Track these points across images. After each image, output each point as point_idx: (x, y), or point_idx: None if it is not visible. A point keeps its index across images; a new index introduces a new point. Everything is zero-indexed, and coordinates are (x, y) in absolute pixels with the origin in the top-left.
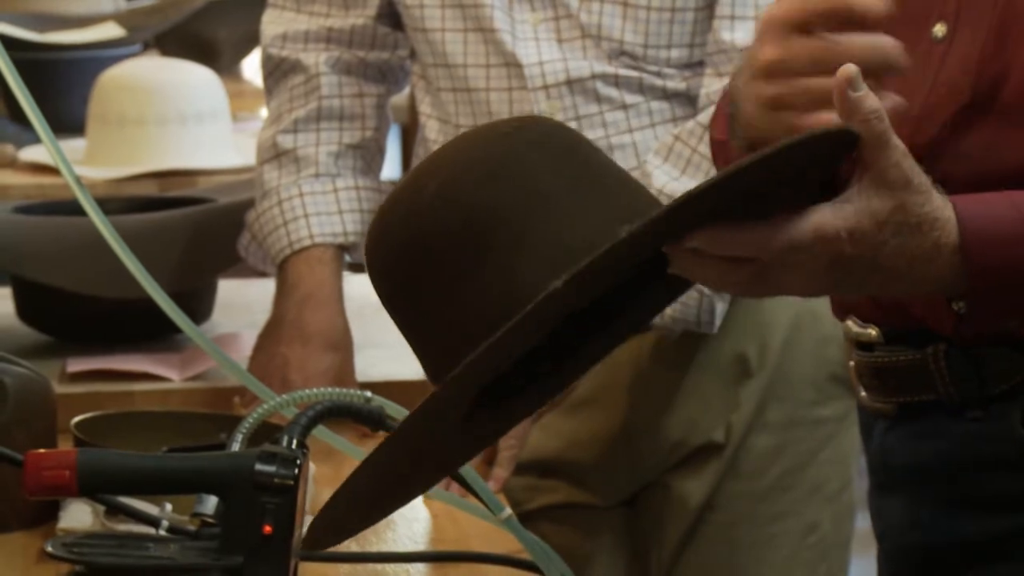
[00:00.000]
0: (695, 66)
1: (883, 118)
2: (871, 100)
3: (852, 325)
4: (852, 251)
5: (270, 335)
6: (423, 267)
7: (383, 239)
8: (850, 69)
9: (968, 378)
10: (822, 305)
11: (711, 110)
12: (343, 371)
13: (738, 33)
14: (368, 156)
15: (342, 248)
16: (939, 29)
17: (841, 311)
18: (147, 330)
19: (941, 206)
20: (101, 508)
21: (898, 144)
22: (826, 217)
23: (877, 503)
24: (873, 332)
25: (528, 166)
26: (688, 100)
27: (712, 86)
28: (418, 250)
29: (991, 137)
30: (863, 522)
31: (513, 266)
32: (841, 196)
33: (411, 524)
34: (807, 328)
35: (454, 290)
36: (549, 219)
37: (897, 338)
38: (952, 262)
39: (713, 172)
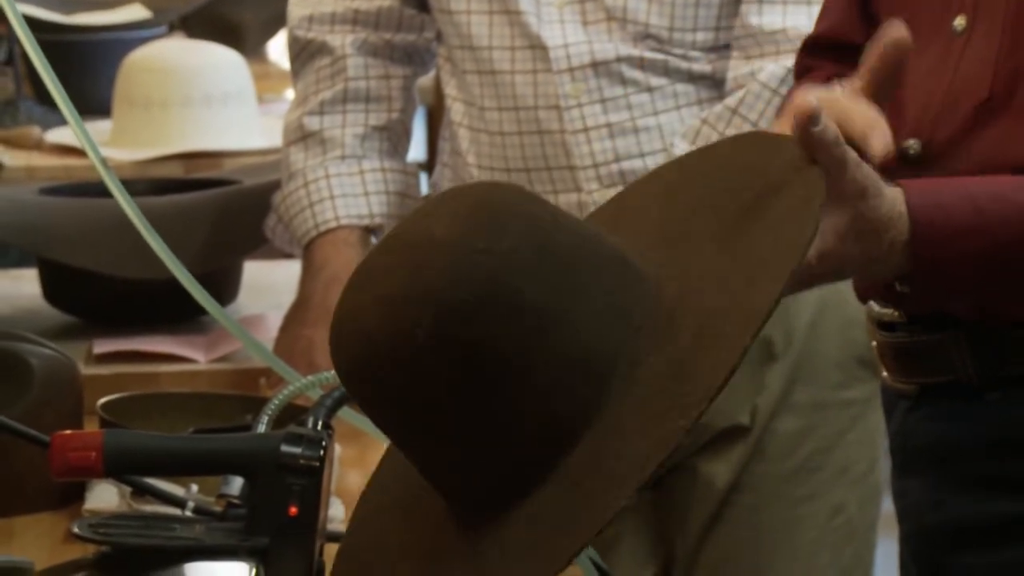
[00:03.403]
0: (721, 49)
1: (840, 143)
2: (830, 131)
3: (874, 305)
4: (820, 270)
5: (296, 317)
6: (432, 415)
7: (369, 383)
8: (810, 104)
9: (987, 360)
10: (847, 287)
11: (739, 94)
12: None
13: (766, 17)
14: (394, 138)
15: (368, 230)
16: (959, 22)
17: (863, 293)
18: (173, 312)
19: (892, 203)
20: (127, 489)
21: (852, 157)
22: None
23: (898, 483)
24: (895, 312)
25: (513, 286)
26: (714, 83)
27: (739, 70)
28: (420, 398)
29: (1007, 133)
30: (890, 504)
31: (522, 398)
32: None
33: None
34: (832, 310)
35: (465, 433)
36: (547, 339)
37: (918, 319)
38: (905, 254)
39: None
